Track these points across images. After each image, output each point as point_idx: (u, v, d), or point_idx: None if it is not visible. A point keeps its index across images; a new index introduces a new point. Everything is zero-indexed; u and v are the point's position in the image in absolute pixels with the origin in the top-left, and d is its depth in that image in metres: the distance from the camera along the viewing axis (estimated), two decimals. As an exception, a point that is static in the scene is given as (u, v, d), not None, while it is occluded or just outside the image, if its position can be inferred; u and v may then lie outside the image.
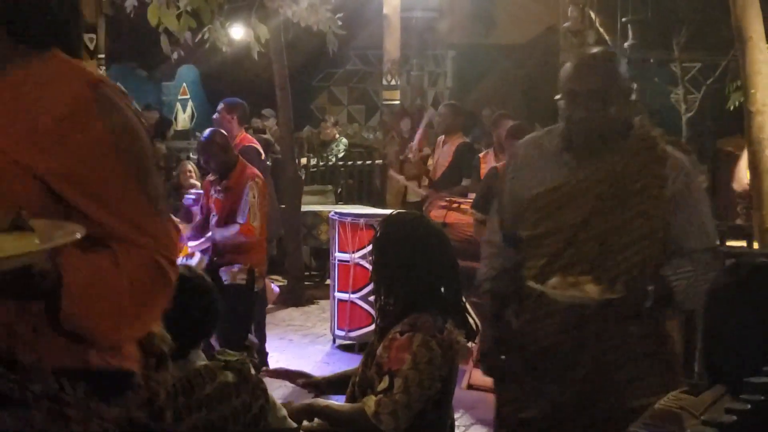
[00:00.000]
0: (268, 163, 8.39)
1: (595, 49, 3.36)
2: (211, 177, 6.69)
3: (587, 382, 3.16)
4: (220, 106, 8.05)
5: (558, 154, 3.24)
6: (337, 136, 14.24)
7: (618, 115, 3.15)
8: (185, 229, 7.22)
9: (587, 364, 3.15)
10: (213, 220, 6.51)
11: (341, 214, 8.01)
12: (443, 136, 9.38)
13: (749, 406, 1.38)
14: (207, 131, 6.78)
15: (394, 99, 11.73)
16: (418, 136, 10.44)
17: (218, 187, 6.49)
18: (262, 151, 8.18)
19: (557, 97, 3.22)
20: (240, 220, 6.30)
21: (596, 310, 3.04)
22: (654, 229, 3.12)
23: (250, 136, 8.35)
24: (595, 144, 3.17)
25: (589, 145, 3.18)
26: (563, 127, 3.23)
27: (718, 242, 3.33)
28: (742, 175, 7.14)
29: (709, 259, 3.18)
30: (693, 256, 3.14)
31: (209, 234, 6.56)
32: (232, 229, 6.30)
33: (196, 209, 7.53)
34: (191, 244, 6.75)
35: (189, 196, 8.24)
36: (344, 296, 7.75)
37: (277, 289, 8.83)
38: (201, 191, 7.04)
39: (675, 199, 3.14)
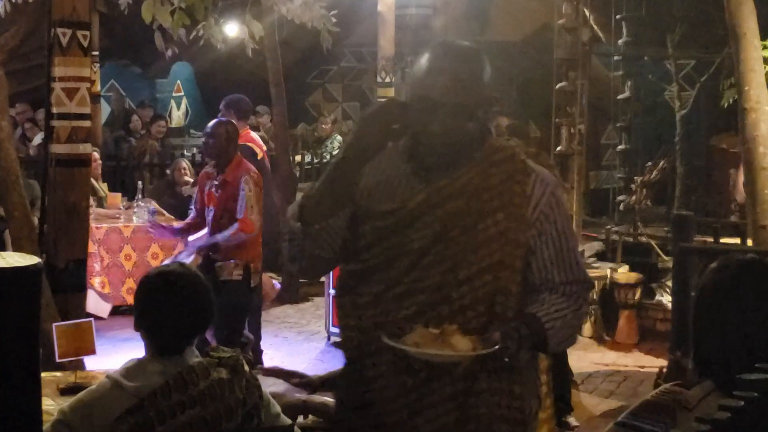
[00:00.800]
0: (266, 161, 8.38)
1: (458, 43, 2.71)
2: (208, 168, 6.70)
3: None
4: (222, 104, 8.11)
5: (404, 165, 2.72)
6: (332, 133, 14.26)
7: (479, 128, 2.67)
8: (178, 223, 7.24)
9: (424, 421, 2.63)
10: (209, 214, 6.52)
11: (336, 212, 8.00)
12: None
13: (743, 403, 1.38)
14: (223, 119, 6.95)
15: (389, 96, 11.73)
16: None
17: (215, 182, 6.50)
18: (259, 150, 8.18)
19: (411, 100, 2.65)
20: (239, 215, 6.32)
21: (467, 366, 2.54)
22: (512, 255, 2.63)
23: (251, 135, 8.35)
24: (449, 157, 2.67)
25: (441, 158, 2.68)
26: (410, 136, 2.69)
27: (587, 275, 2.77)
28: (742, 187, 7.13)
29: (581, 293, 2.72)
30: (564, 290, 2.68)
31: (205, 230, 6.57)
32: (232, 229, 6.31)
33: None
34: (191, 238, 6.77)
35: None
36: (339, 293, 7.73)
37: (278, 285, 8.83)
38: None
39: (539, 221, 2.66)
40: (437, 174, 2.67)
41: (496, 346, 2.48)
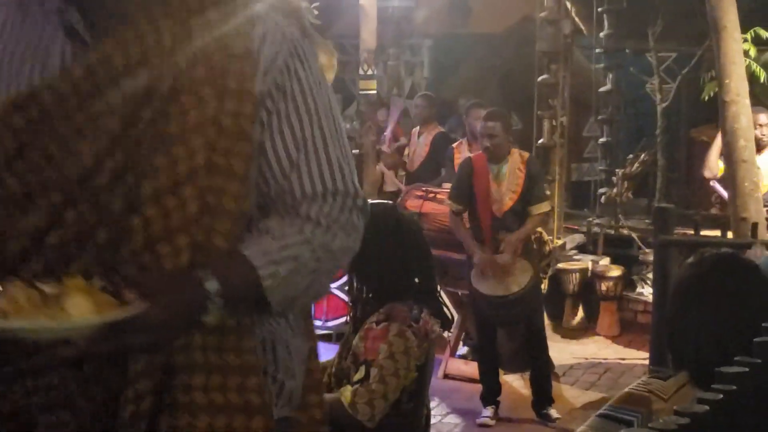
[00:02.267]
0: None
1: None
2: None
3: None
4: None
5: (53, 15, 1.71)
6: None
7: None
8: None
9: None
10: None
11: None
12: (418, 127, 9.39)
13: (721, 396, 1.38)
14: None
15: (371, 89, 11.70)
16: (391, 126, 10.44)
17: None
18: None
19: None
20: None
21: (89, 344, 1.49)
22: (230, 153, 1.65)
23: None
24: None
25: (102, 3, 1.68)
26: None
27: (352, 184, 1.75)
28: (713, 163, 7.19)
29: (339, 214, 1.73)
30: (308, 211, 1.71)
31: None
32: None
33: None
34: None
35: None
36: (321, 286, 7.71)
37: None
38: None
39: (270, 97, 1.70)
40: (105, 33, 1.67)
41: (135, 311, 1.49)
